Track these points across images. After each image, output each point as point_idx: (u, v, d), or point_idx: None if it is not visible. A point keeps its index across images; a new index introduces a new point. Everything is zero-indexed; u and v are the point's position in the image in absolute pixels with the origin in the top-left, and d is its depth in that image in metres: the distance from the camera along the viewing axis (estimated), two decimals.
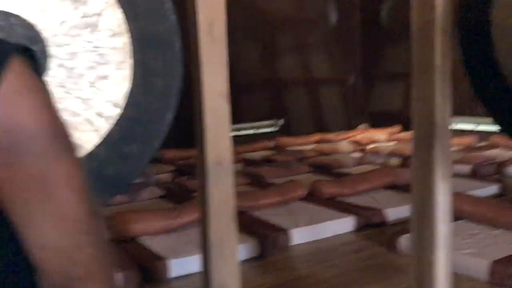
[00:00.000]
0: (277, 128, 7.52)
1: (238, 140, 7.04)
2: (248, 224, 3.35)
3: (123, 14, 1.33)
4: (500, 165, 5.01)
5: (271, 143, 6.82)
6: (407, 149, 5.83)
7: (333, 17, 8.20)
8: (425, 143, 1.72)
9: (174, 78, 1.57)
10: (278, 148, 6.67)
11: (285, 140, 6.97)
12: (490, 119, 5.65)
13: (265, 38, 7.42)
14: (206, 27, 1.63)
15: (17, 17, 1.47)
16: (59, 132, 0.66)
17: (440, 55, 1.62)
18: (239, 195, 3.81)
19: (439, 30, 1.59)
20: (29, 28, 1.48)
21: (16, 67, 0.61)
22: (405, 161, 5.53)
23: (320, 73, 8.15)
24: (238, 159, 5.87)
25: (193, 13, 1.60)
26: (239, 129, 7.10)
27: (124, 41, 1.38)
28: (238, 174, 5.17)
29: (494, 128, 5.78)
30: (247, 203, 3.66)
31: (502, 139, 6.04)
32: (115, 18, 1.31)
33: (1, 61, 0.60)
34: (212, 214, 1.67)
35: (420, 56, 1.66)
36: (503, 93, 1.40)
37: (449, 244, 1.70)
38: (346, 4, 8.30)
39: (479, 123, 6.75)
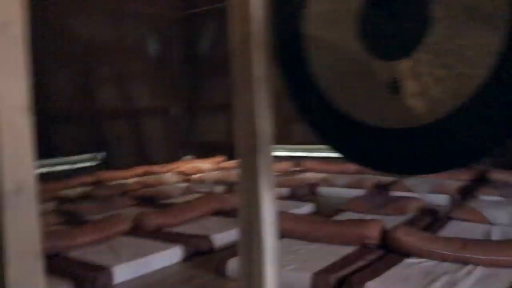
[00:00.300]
0: (97, 162, 7.01)
1: (52, 176, 6.36)
2: (63, 266, 2.96)
3: None
4: (313, 186, 5.50)
5: (91, 178, 6.32)
6: (231, 176, 5.98)
7: (155, 48, 8.13)
8: (249, 151, 1.70)
9: None
10: (99, 183, 6.20)
11: (106, 174, 6.53)
12: (302, 146, 6.05)
13: (82, 67, 6.94)
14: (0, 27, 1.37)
15: None
16: None
17: (259, 67, 1.63)
18: (53, 235, 3.37)
19: (256, 43, 1.61)
20: None
21: None
22: (230, 188, 5.67)
23: (143, 105, 7.94)
24: (52, 197, 5.27)
25: None
26: (53, 165, 6.43)
27: None
28: (52, 213, 4.61)
29: (306, 154, 6.28)
30: (62, 243, 3.24)
31: (313, 164, 6.70)
32: None
33: None
34: (10, 255, 1.37)
35: (241, 70, 1.65)
36: (322, 106, 1.46)
37: (276, 262, 1.70)
38: (167, 36, 8.33)
39: (293, 150, 7.33)
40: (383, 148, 1.37)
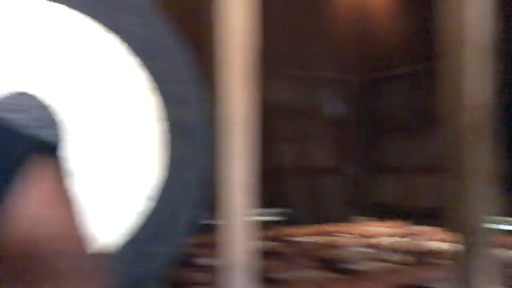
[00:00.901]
0: (279, 218, 7.28)
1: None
2: None
3: (159, 99, 1.22)
4: None
5: (272, 233, 6.55)
6: (419, 245, 5.57)
7: (333, 107, 8.35)
8: (466, 250, 1.55)
9: (198, 169, 1.43)
10: (279, 239, 6.38)
11: (285, 230, 6.72)
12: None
13: (265, 127, 7.46)
14: None
15: (32, 97, 1.35)
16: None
17: (483, 156, 1.51)
18: None
19: (480, 132, 1.50)
20: (44, 109, 1.35)
21: (43, 174, 0.51)
22: (418, 260, 5.23)
23: (320, 164, 8.11)
24: None
25: None
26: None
27: (155, 127, 1.25)
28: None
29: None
30: None
31: None
32: (150, 103, 1.19)
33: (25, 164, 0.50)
34: None
35: (467, 160, 1.55)
36: None
37: None
38: (346, 96, 8.50)
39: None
40: None
